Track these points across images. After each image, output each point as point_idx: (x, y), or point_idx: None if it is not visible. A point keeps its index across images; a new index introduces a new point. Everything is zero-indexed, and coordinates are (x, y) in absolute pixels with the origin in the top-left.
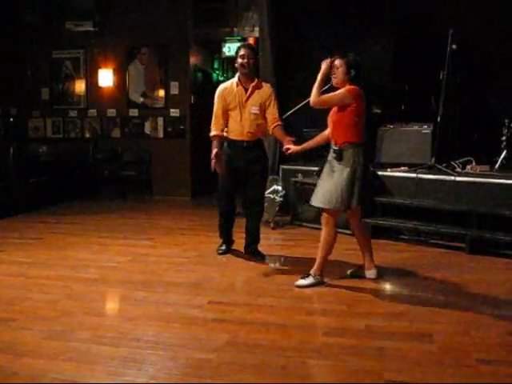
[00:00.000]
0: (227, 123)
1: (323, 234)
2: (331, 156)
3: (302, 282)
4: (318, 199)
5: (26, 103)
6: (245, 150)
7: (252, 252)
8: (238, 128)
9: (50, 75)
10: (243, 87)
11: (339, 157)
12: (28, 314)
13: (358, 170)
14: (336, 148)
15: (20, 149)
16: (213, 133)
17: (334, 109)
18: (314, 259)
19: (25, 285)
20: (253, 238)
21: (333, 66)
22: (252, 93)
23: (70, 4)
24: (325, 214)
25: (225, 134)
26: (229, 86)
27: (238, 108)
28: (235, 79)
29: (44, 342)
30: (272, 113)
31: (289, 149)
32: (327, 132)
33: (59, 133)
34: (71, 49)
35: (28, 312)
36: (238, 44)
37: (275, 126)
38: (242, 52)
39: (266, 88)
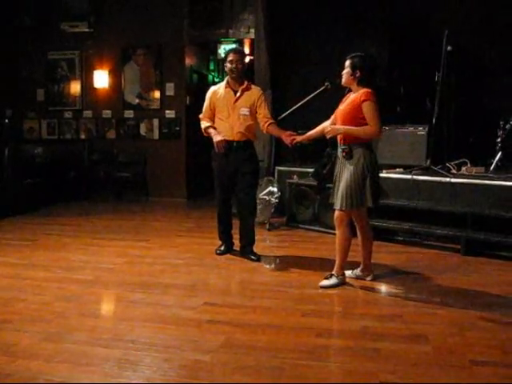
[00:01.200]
0: (215, 124)
1: (338, 235)
2: (340, 155)
3: (325, 282)
4: (337, 201)
5: (21, 104)
6: (235, 150)
7: (247, 253)
8: (228, 129)
9: (46, 76)
10: (232, 89)
11: (348, 155)
12: (23, 316)
13: (368, 168)
14: (345, 147)
15: (15, 150)
16: (206, 124)
17: (344, 107)
18: (310, 260)
19: (20, 286)
20: (247, 240)
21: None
22: (241, 95)
23: (65, 5)
24: (338, 215)
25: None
26: (217, 90)
27: (227, 109)
28: (224, 82)
29: (39, 343)
30: (263, 113)
31: (294, 139)
32: (329, 123)
33: (54, 134)
34: (66, 50)
35: (23, 314)
36: (234, 45)
37: (269, 124)
38: (230, 57)
39: (256, 90)
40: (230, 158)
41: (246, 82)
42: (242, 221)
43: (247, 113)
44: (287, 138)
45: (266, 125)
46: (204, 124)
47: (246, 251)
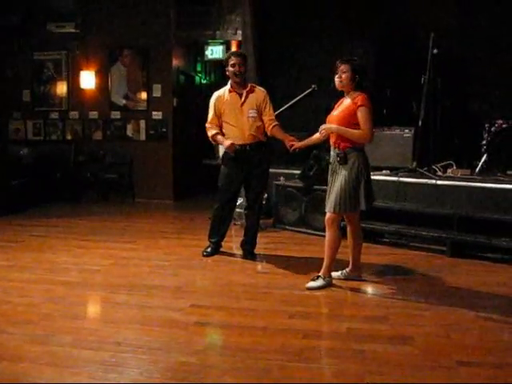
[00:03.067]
0: (223, 130)
1: (328, 236)
2: (334, 160)
3: (312, 284)
4: (328, 204)
5: (7, 105)
6: (248, 153)
7: (245, 251)
8: (238, 133)
9: (32, 77)
10: (236, 93)
11: (343, 160)
12: (8, 318)
13: (362, 172)
14: (339, 151)
15: (0, 151)
16: (213, 132)
17: (338, 113)
18: (296, 262)
19: (5, 288)
20: (249, 237)
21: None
22: (247, 97)
23: (51, 5)
24: (329, 217)
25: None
26: (221, 95)
27: (234, 113)
28: (227, 87)
29: (24, 345)
30: (268, 114)
31: (292, 145)
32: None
33: (40, 135)
34: (53, 50)
35: (8, 316)
36: (221, 47)
37: (273, 127)
38: (232, 61)
39: (260, 91)
40: (243, 161)
41: (249, 84)
42: (247, 219)
43: (255, 114)
44: (289, 142)
45: (271, 127)
46: (211, 132)
47: (245, 248)
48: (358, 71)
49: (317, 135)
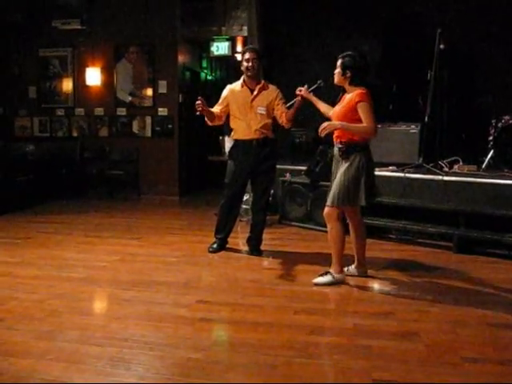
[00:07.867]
0: (231, 124)
1: (329, 231)
2: (336, 154)
3: (320, 279)
4: (328, 198)
5: (13, 102)
6: (255, 148)
7: (251, 247)
8: (245, 127)
9: (38, 74)
10: (248, 88)
11: (345, 154)
12: (15, 314)
13: (363, 167)
14: (341, 146)
15: (7, 147)
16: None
17: (340, 109)
18: (302, 258)
19: (11, 284)
20: (255, 233)
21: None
22: (258, 94)
23: (57, 2)
24: (327, 211)
25: (231, 138)
26: (233, 88)
27: (244, 108)
28: (240, 81)
29: (31, 341)
30: (281, 110)
31: (301, 90)
32: (330, 113)
33: (46, 132)
34: (59, 47)
35: (15, 312)
36: (227, 43)
37: (286, 114)
38: (246, 56)
39: (273, 89)
40: (250, 156)
41: (262, 81)
42: (253, 215)
43: (264, 112)
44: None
45: (284, 114)
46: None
47: (251, 244)
48: (351, 67)
49: (325, 106)
